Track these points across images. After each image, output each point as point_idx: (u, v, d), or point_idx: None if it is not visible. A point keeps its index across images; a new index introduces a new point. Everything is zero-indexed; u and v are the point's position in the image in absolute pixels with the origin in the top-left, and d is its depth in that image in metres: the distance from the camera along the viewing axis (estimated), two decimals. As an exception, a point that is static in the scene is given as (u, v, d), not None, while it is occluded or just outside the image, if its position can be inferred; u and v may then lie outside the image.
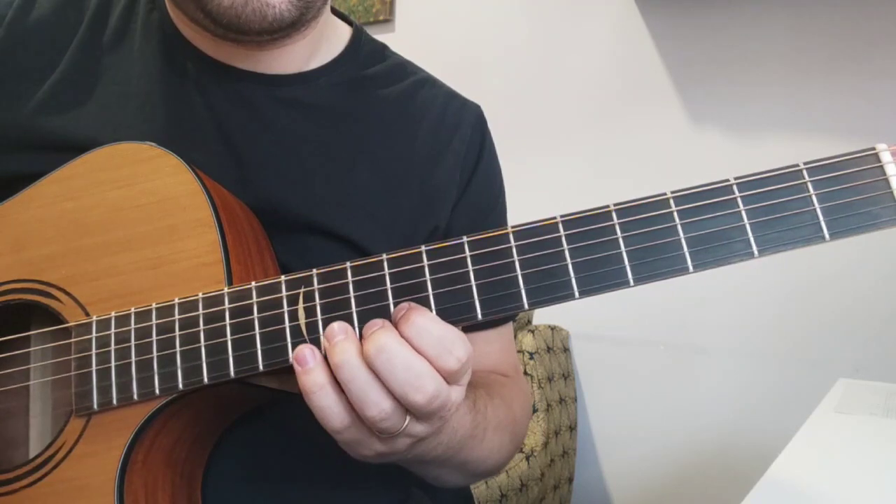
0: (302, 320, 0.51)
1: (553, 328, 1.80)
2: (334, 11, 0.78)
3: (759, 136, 1.65)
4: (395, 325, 0.49)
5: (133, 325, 0.55)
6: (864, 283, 1.56)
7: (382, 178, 0.71)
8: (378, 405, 0.48)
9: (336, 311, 0.51)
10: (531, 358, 1.66)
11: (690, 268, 0.47)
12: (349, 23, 0.79)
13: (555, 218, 0.49)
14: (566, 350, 1.84)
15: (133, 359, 0.54)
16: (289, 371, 0.56)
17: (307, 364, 0.49)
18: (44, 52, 0.69)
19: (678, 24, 1.73)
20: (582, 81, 1.84)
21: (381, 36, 0.82)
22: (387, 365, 0.47)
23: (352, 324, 0.50)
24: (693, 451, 1.73)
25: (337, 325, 0.49)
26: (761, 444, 1.22)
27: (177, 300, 0.54)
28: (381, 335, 0.48)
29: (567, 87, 1.86)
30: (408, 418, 0.50)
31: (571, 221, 0.49)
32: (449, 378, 0.49)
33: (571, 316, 1.84)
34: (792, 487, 0.77)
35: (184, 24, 0.70)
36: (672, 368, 1.75)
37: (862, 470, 0.83)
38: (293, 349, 0.51)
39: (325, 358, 0.49)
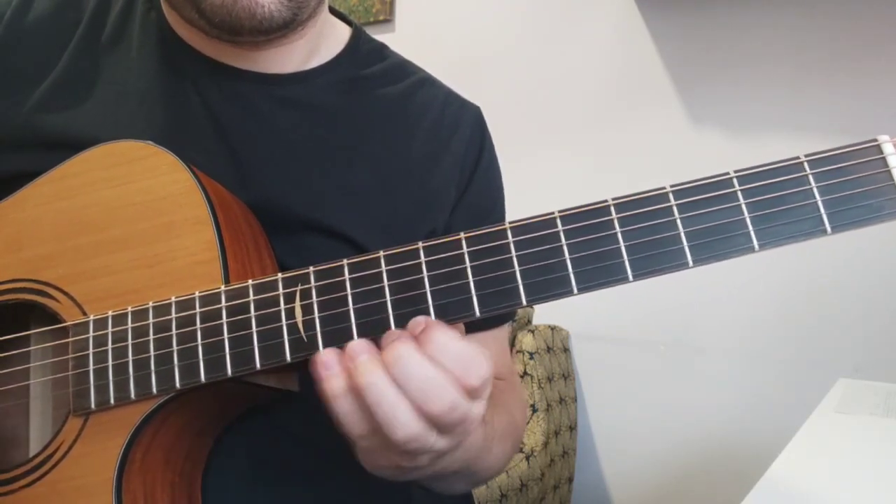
0: (299, 318, 0.51)
1: (553, 328, 1.80)
2: (334, 11, 0.78)
3: (759, 136, 1.65)
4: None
5: (130, 324, 0.55)
6: (864, 283, 1.55)
7: (381, 178, 0.71)
8: (405, 427, 0.47)
9: (333, 308, 0.50)
10: (531, 358, 1.65)
11: (690, 262, 0.46)
12: (349, 23, 0.79)
13: (552, 213, 0.48)
14: (566, 350, 1.83)
15: (130, 358, 0.54)
16: (286, 369, 0.56)
17: (330, 369, 0.48)
18: (42, 52, 0.69)
19: (678, 24, 1.73)
20: (582, 81, 1.84)
21: (381, 36, 0.82)
22: (404, 372, 0.46)
23: (349, 321, 0.50)
24: (693, 451, 1.73)
25: (359, 344, 0.48)
26: (761, 444, 1.22)
27: (173, 299, 0.54)
28: (399, 345, 0.47)
29: (567, 87, 1.86)
30: (434, 434, 0.49)
31: (569, 217, 0.48)
32: (470, 394, 0.48)
33: (571, 316, 1.84)
34: (792, 487, 0.77)
35: (179, 25, 0.70)
36: (672, 368, 1.75)
37: (862, 470, 0.83)
38: (290, 347, 0.51)
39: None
